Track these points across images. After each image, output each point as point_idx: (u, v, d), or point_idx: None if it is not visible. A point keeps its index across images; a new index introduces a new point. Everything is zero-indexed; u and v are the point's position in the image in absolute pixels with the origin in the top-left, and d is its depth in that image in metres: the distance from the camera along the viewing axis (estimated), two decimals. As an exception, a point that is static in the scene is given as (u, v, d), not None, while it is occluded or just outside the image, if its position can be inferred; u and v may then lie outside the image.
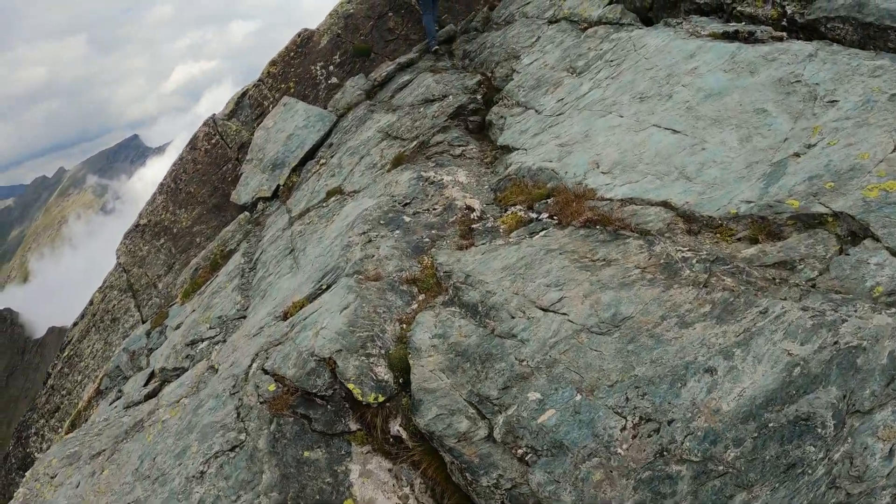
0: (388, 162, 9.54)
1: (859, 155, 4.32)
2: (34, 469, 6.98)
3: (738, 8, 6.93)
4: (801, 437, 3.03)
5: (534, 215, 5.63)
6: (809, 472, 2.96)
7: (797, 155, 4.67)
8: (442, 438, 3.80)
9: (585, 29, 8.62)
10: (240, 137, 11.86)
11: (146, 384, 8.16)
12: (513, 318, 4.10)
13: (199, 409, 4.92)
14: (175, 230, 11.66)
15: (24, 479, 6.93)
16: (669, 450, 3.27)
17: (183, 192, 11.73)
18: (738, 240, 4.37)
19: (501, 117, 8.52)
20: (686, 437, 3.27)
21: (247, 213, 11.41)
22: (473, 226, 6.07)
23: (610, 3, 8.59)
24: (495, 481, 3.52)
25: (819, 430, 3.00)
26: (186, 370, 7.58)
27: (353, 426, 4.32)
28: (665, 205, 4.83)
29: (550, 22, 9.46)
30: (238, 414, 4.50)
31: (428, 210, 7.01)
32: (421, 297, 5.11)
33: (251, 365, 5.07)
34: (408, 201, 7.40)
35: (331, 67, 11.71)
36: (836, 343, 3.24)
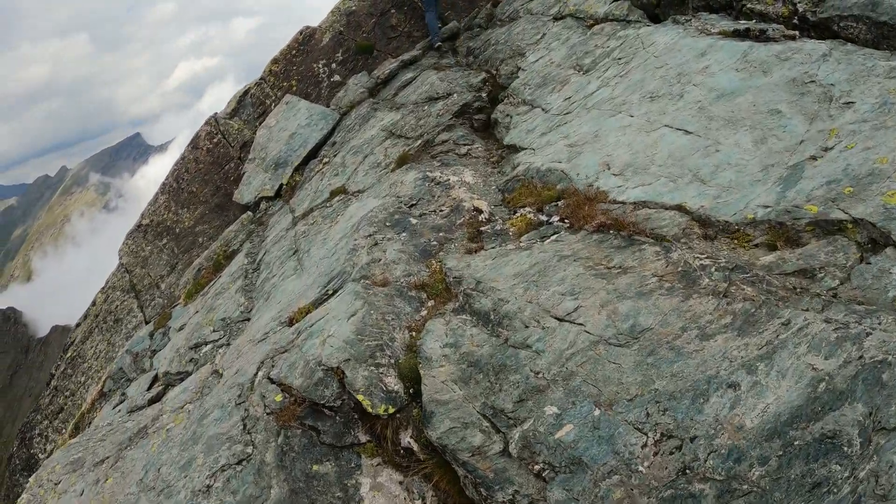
0: (392, 161, 9.39)
1: (878, 159, 4.17)
2: (38, 475, 6.87)
3: (748, 5, 6.76)
4: (827, 456, 2.91)
5: (544, 218, 5.48)
6: (835, 490, 2.84)
7: (814, 158, 4.52)
8: (455, 452, 3.67)
9: (592, 26, 8.44)
10: (242, 136, 11.70)
11: (149, 388, 8.04)
12: (527, 327, 3.97)
13: (204, 418, 4.80)
14: (177, 230, 11.52)
15: (28, 485, 6.82)
16: (692, 468, 3.14)
17: (185, 191, 11.58)
18: (756, 246, 4.23)
19: (507, 116, 8.36)
20: (709, 454, 3.15)
21: (249, 212, 11.27)
22: (482, 228, 5.92)
23: (616, 0, 8.42)
24: (511, 497, 3.39)
25: (845, 449, 2.88)
26: (190, 374, 7.46)
27: (363, 438, 4.19)
28: (680, 209, 4.69)
29: (555, 19, 9.28)
30: (244, 425, 4.37)
31: (434, 212, 6.87)
32: (430, 303, 4.97)
33: (257, 373, 4.94)
34: (414, 202, 7.26)
35: (333, 65, 11.53)
36: (860, 357, 3.11)
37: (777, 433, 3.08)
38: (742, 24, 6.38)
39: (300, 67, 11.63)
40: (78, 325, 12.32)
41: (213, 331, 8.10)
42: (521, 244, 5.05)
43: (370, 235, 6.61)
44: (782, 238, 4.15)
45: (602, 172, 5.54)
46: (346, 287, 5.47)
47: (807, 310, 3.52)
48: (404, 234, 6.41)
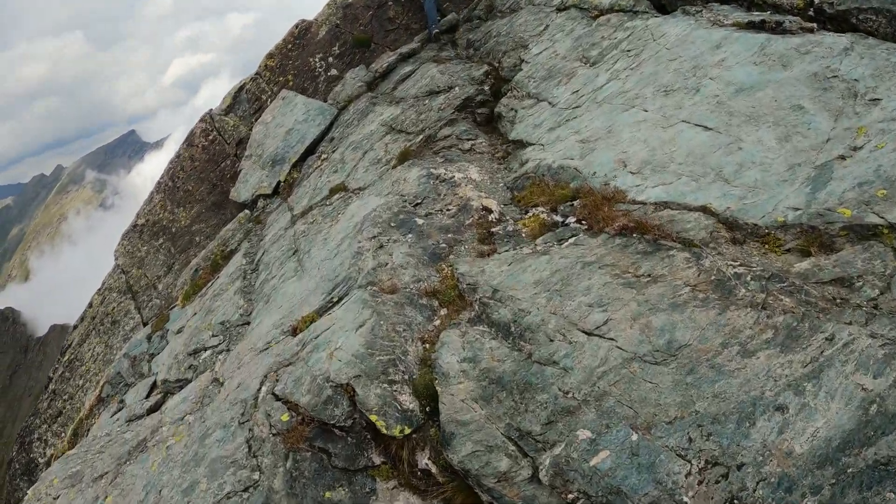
0: (393, 157, 9.00)
1: (911, 161, 3.88)
2: (36, 488, 6.53)
3: (762, -6, 6.42)
4: (881, 483, 2.66)
5: (559, 218, 5.15)
6: (890, 520, 2.59)
7: (842, 158, 4.22)
8: (479, 477, 3.36)
9: (597, 17, 8.06)
10: (238, 133, 11.26)
11: (148, 395, 7.69)
12: (551, 341, 3.64)
13: (206, 438, 4.46)
14: (174, 229, 11.10)
15: (27, 498, 6.49)
16: (740, 498, 2.84)
17: (181, 190, 11.15)
18: (788, 251, 3.93)
19: (512, 109, 7.99)
20: (758, 483, 2.85)
21: (247, 210, 10.86)
22: (493, 229, 5.58)
23: (622, -11, 8.03)
24: (542, 529, 3.10)
25: (900, 476, 2.63)
26: (190, 382, 7.11)
27: (377, 459, 3.87)
28: (704, 210, 4.36)
29: (559, 10, 8.88)
30: (249, 447, 4.04)
31: (441, 211, 6.51)
32: (443, 311, 4.64)
33: (260, 388, 4.60)
34: (419, 201, 6.90)
35: (330, 59, 11.09)
36: (911, 377, 2.85)
37: (829, 460, 2.81)
38: (756, 16, 6.03)
39: (296, 62, 11.17)
40: (75, 327, 11.92)
41: (213, 335, 7.74)
42: (538, 248, 4.71)
43: (375, 237, 6.26)
44: (816, 243, 3.85)
45: (618, 170, 5.20)
46: (352, 294, 5.12)
47: (850, 323, 3.24)
48: (411, 236, 6.06)
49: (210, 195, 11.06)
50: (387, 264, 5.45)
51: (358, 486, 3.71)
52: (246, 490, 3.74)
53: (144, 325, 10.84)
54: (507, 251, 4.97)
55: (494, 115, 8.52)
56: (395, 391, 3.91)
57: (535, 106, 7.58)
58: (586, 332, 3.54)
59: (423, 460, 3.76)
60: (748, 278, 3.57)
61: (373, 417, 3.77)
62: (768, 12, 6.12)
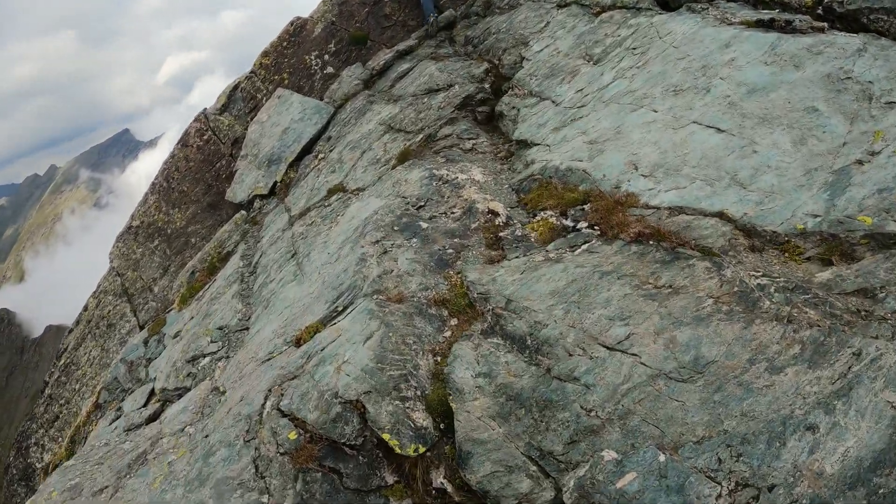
0: (392, 157, 8.80)
1: (932, 167, 3.76)
2: (35, 501, 6.34)
3: (769, -9, 6.27)
4: (913, 505, 2.55)
5: (569, 223, 4.99)
6: (922, 543, 2.48)
7: (860, 163, 4.09)
8: (499, 499, 3.22)
9: (599, 13, 7.88)
10: (233, 132, 11.00)
11: (146, 404, 7.49)
12: (570, 356, 3.50)
13: (210, 456, 4.28)
14: (169, 231, 10.85)
15: (24, 510, 6.30)
16: (774, 521, 2.73)
17: (176, 191, 10.89)
18: (808, 259, 3.81)
19: (514, 108, 7.81)
20: (791, 505, 2.74)
21: (243, 211, 10.62)
22: (500, 234, 5.42)
23: (624, -15, 7.85)
24: (567, 554, 2.97)
25: (932, 498, 2.53)
26: (189, 390, 6.92)
27: (390, 479, 3.72)
28: (721, 216, 4.22)
29: (559, 6, 8.69)
30: (256, 468, 3.87)
31: (445, 214, 6.34)
32: (453, 321, 4.48)
33: (265, 403, 4.42)
34: (422, 203, 6.72)
35: (326, 57, 10.83)
36: (940, 394, 2.74)
37: (860, 480, 2.72)
38: (765, 14, 5.88)
39: (292, 60, 10.91)
40: (70, 331, 11.66)
41: (211, 341, 7.54)
42: (550, 255, 4.55)
43: (378, 242, 6.08)
44: (837, 252, 3.73)
45: (629, 173, 5.05)
46: (357, 303, 4.95)
47: (876, 337, 3.12)
48: (415, 241, 5.89)
49: (205, 196, 10.82)
50: (392, 271, 5.27)
51: (371, 508, 3.56)
52: (255, 513, 3.58)
53: (141, 328, 10.61)
54: (517, 257, 4.81)
55: (495, 113, 8.34)
56: (408, 408, 3.75)
57: (538, 104, 7.40)
58: (608, 347, 3.39)
59: (439, 479, 3.61)
60: (772, 290, 3.44)
61: (386, 436, 3.62)
62: (776, 10, 5.97)
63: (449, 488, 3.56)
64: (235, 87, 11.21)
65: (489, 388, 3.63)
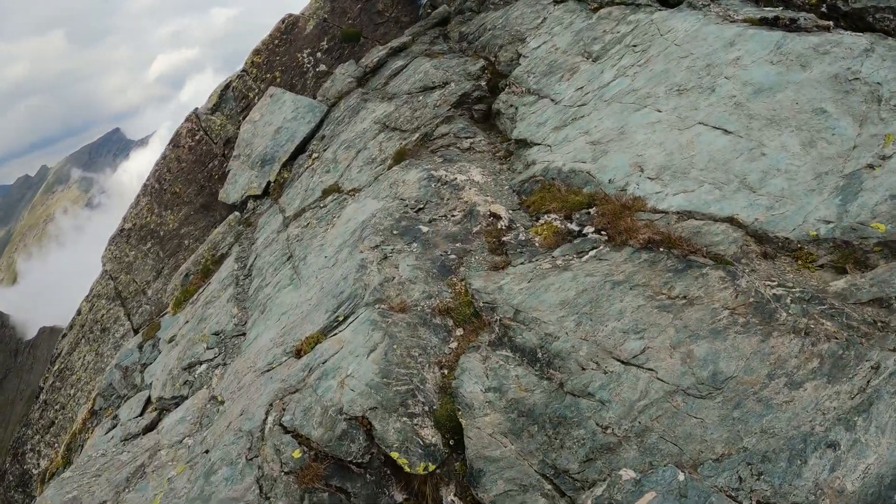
0: (388, 157, 8.64)
1: (947, 171, 3.68)
2: (29, 514, 6.19)
3: (771, -13, 6.15)
4: (933, 522, 2.48)
5: (574, 227, 4.88)
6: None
7: (871, 167, 4.00)
8: (512, 520, 3.12)
9: (597, 9, 7.73)
10: (225, 132, 10.78)
11: (142, 413, 7.33)
12: (584, 370, 3.39)
13: (212, 475, 4.15)
14: (162, 233, 10.64)
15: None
16: (798, 542, 2.65)
17: (168, 192, 10.67)
18: (821, 267, 3.72)
19: (511, 106, 7.67)
20: (816, 525, 2.66)
21: (237, 212, 10.43)
22: (503, 238, 5.29)
23: (622, -20, 7.70)
24: (585, 577, 2.87)
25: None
26: (186, 398, 6.76)
27: (399, 497, 3.61)
28: (731, 221, 4.12)
29: (556, 2, 8.53)
30: (260, 488, 3.75)
31: (446, 217, 6.20)
32: (458, 331, 4.36)
33: (266, 418, 4.29)
34: (421, 206, 6.57)
35: (318, 54, 10.62)
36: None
37: (881, 498, 2.67)
38: (769, 12, 5.76)
39: (283, 58, 10.68)
40: (64, 335, 11.45)
41: (207, 348, 7.38)
42: (557, 261, 4.44)
43: (377, 246, 5.94)
44: (850, 260, 3.64)
45: (635, 175, 4.94)
46: (359, 313, 4.81)
47: (894, 350, 3.05)
48: (416, 245, 5.75)
49: (198, 197, 10.61)
50: (394, 278, 5.14)
51: (380, 528, 3.45)
52: (261, 537, 3.47)
53: (135, 332, 10.42)
54: (522, 264, 4.69)
55: (493, 111, 8.19)
56: (416, 425, 3.64)
57: (536, 103, 7.27)
58: (623, 362, 3.28)
59: (449, 496, 3.51)
60: (788, 301, 3.34)
61: (394, 455, 3.50)
62: (780, 8, 5.85)
63: (460, 506, 3.46)
64: (227, 87, 10.97)
65: (500, 403, 3.52)
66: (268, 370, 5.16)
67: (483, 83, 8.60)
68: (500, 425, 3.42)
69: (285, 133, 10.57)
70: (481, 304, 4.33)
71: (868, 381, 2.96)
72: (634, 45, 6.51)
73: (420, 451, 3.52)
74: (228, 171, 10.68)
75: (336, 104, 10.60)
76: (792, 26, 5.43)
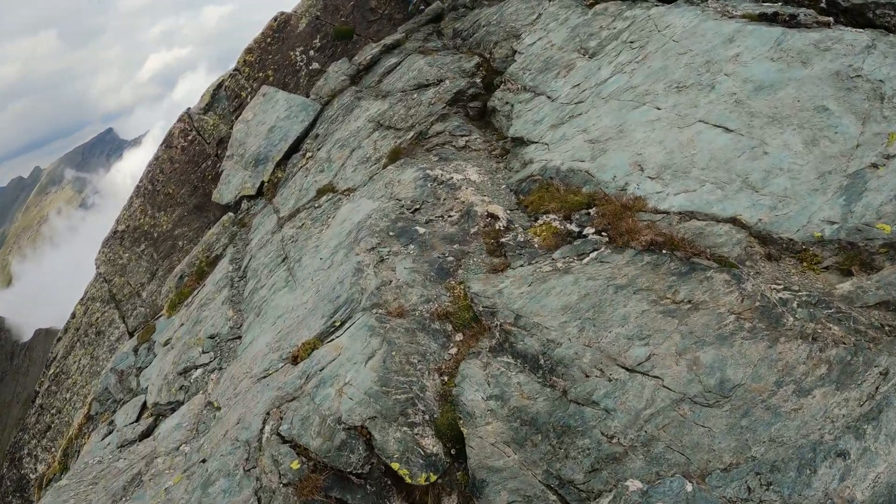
0: (383, 156, 8.51)
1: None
2: (25, 524, 6.09)
3: (769, -18, 6.05)
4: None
5: (574, 228, 4.78)
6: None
7: (875, 166, 3.92)
8: (517, 532, 3.04)
9: (592, 5, 7.61)
10: (218, 132, 10.61)
11: (138, 418, 7.22)
12: (588, 377, 3.31)
13: (209, 486, 4.05)
14: (155, 235, 10.49)
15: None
16: (810, 554, 2.58)
17: (161, 193, 10.51)
18: (826, 269, 3.64)
19: (507, 104, 7.55)
20: (827, 536, 2.59)
21: (231, 213, 10.29)
22: (502, 239, 5.20)
23: (617, -25, 7.58)
24: (592, 591, 2.80)
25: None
26: (182, 404, 6.65)
27: (400, 508, 3.53)
28: (734, 222, 4.03)
29: (551, -3, 8.41)
30: (259, 500, 3.65)
31: (442, 217, 6.09)
32: (458, 337, 4.26)
33: (263, 427, 4.19)
34: (417, 206, 6.46)
35: (311, 52, 10.45)
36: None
37: (890, 507, 2.58)
38: (768, 7, 5.66)
39: (276, 56, 10.52)
40: (59, 339, 11.30)
41: (203, 352, 7.27)
42: (558, 264, 4.34)
43: (373, 249, 5.83)
44: (856, 262, 3.57)
45: (635, 175, 4.84)
46: (356, 318, 4.71)
47: (902, 353, 2.97)
48: (413, 247, 5.64)
49: (191, 198, 10.45)
50: (391, 282, 5.04)
51: (382, 541, 3.37)
52: (259, 552, 3.38)
53: (130, 335, 10.29)
54: (522, 266, 4.59)
55: (488, 109, 8.07)
56: (417, 434, 3.55)
57: (532, 100, 7.15)
58: (627, 369, 3.20)
59: (451, 507, 3.43)
60: (794, 305, 3.26)
61: (395, 466, 3.41)
62: (779, 4, 5.75)
63: (462, 517, 3.38)
64: (219, 86, 10.79)
65: (502, 411, 3.43)
66: (264, 377, 5.06)
67: (478, 80, 8.48)
68: (503, 434, 3.33)
69: (279, 132, 10.42)
70: (481, 309, 4.23)
71: (877, 388, 2.89)
72: (632, 42, 6.41)
73: (421, 461, 3.43)
74: (222, 171, 10.53)
75: (329, 102, 10.45)
76: (792, 22, 5.34)
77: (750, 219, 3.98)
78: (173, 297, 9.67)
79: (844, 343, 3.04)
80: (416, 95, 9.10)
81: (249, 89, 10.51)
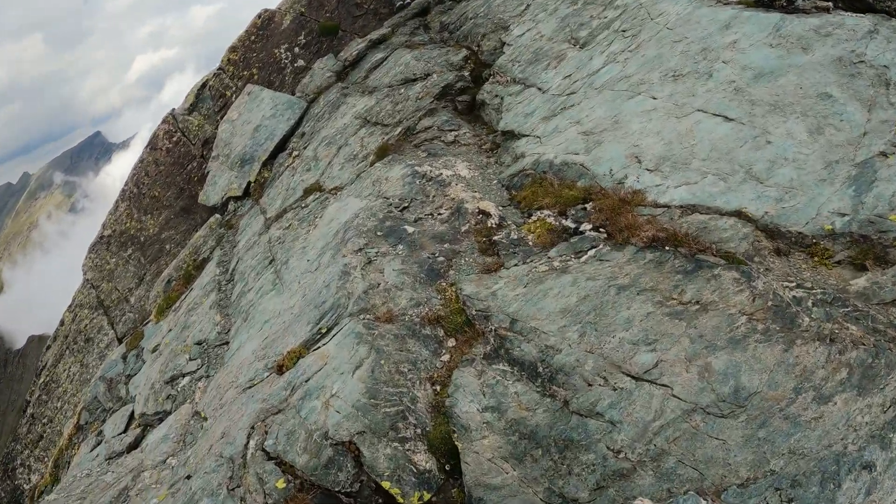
0: (370, 152, 8.19)
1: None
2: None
3: (763, -36, 5.77)
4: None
5: (570, 224, 4.50)
6: None
7: (884, 155, 3.66)
8: (517, 556, 2.78)
9: (582, -7, 7.31)
10: (203, 133, 10.25)
11: (126, 429, 6.90)
12: (590, 386, 3.03)
13: (192, 508, 3.76)
14: (142, 238, 10.13)
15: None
16: (838, 578, 2.33)
17: (147, 196, 10.14)
18: (839, 263, 3.38)
19: (497, 97, 7.25)
20: (857, 558, 2.33)
21: (217, 215, 9.94)
22: (494, 237, 4.91)
23: (606, -37, 7.27)
24: None
25: None
26: (169, 413, 6.35)
27: (392, 529, 3.25)
28: (739, 215, 3.76)
29: (539, -14, 8.09)
30: (243, 524, 3.37)
31: (432, 215, 5.80)
32: (450, 342, 3.98)
33: (247, 442, 3.89)
34: (405, 204, 6.16)
35: (296, 49, 10.09)
36: None
37: (920, 523, 2.32)
38: (764, -12, 5.39)
39: (260, 54, 10.15)
40: (48, 347, 10.93)
41: (190, 359, 6.95)
42: (554, 263, 4.06)
43: (361, 250, 5.53)
44: (870, 255, 3.31)
45: (632, 167, 4.56)
46: (343, 325, 4.41)
47: (925, 354, 2.72)
48: (402, 247, 5.35)
49: (178, 200, 10.10)
50: (379, 285, 4.74)
51: (373, 566, 3.09)
52: (242, 582, 3.09)
53: (119, 341, 9.94)
54: (516, 265, 4.31)
55: (477, 102, 7.76)
56: (409, 450, 3.27)
57: (522, 92, 6.85)
58: (633, 377, 2.93)
59: (447, 527, 3.15)
60: (809, 303, 3.00)
61: (386, 485, 3.13)
62: (774, -15, 5.48)
63: (459, 538, 3.11)
64: (203, 86, 10.41)
65: (499, 424, 3.16)
66: (249, 387, 4.76)
67: (466, 73, 8.16)
68: (500, 449, 3.06)
69: (264, 131, 10.07)
70: (474, 312, 3.95)
71: (901, 391, 2.64)
72: (624, 30, 6.12)
73: (413, 479, 3.15)
74: (207, 172, 10.17)
75: (315, 100, 10.10)
76: (789, 7, 5.07)
77: (756, 212, 3.71)
78: (161, 301, 9.33)
79: (864, 344, 2.78)
80: (403, 90, 8.77)
81: (234, 88, 10.14)
